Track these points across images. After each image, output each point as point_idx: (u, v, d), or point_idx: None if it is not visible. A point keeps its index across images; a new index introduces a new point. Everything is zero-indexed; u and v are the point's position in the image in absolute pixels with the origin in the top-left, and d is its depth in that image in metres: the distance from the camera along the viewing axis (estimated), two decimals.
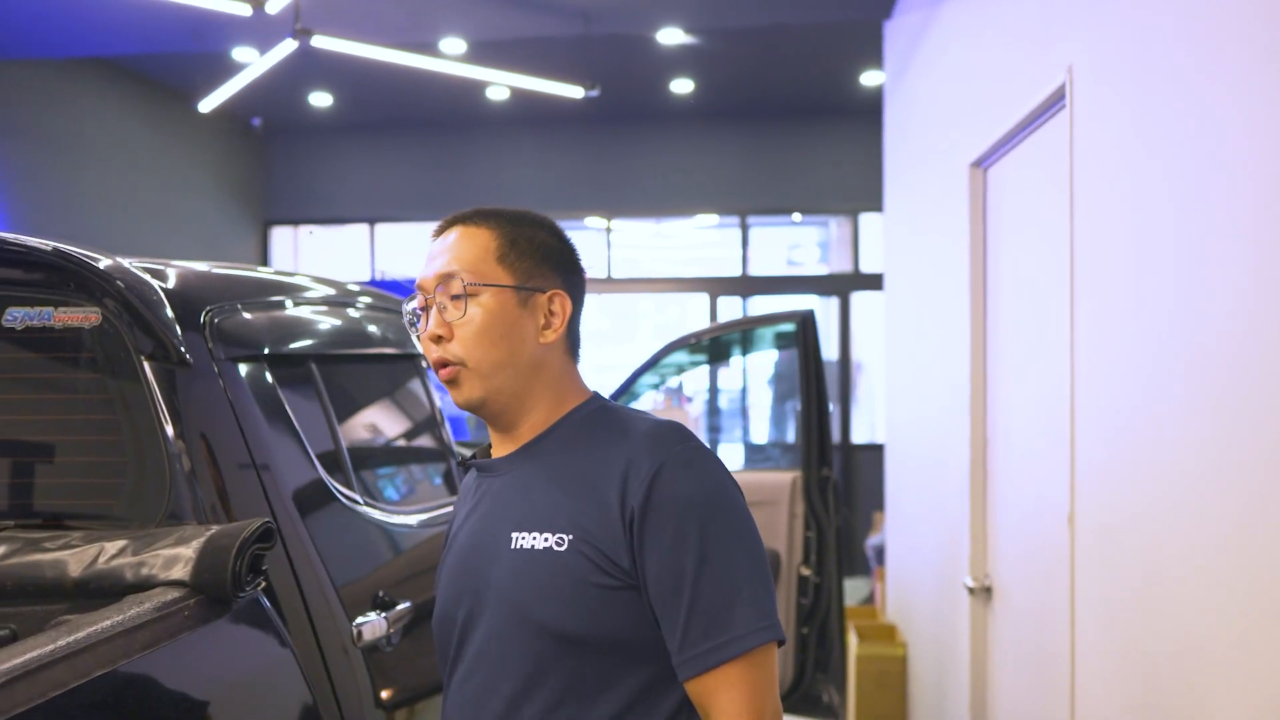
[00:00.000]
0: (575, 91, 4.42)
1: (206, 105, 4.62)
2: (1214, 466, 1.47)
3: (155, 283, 1.56)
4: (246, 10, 3.28)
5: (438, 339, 1.20)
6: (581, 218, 8.12)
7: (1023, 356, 2.55)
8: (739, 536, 1.15)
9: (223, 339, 1.62)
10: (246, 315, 1.72)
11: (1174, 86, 1.59)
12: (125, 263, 1.56)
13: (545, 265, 1.25)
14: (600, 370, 8.14)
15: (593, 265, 8.30)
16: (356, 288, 2.30)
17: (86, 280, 1.50)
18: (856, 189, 7.43)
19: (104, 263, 1.52)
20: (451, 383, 1.21)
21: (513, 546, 1.19)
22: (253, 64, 3.95)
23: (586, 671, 1.15)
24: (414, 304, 1.26)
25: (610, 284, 8.06)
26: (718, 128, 7.63)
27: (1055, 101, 2.11)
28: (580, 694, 1.15)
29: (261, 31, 4.24)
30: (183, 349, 1.52)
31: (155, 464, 1.48)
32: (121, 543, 1.38)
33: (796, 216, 8.34)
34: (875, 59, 5.78)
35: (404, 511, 2.00)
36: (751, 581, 1.13)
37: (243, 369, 1.64)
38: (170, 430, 1.49)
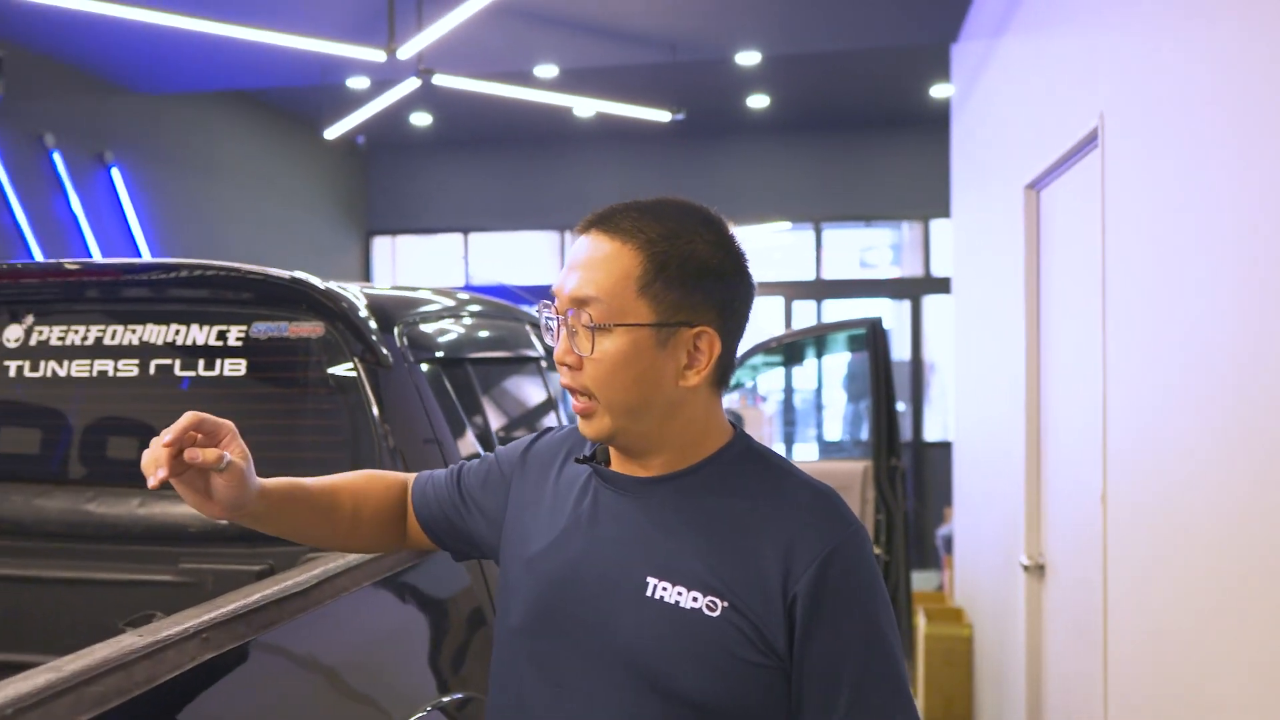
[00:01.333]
0: (663, 115, 4.83)
1: (331, 133, 5.16)
2: (1223, 451, 1.81)
3: (362, 303, 2.02)
4: (381, 57, 3.77)
5: (564, 363, 1.10)
6: None
7: (1068, 357, 2.88)
8: (893, 627, 1.08)
9: (410, 345, 2.07)
10: (424, 326, 2.18)
11: (1187, 135, 1.93)
12: (339, 287, 2.02)
13: (698, 293, 1.08)
14: None
15: None
16: (492, 301, 2.75)
17: (315, 301, 1.96)
18: (927, 195, 7.71)
19: (326, 288, 1.98)
20: (583, 414, 1.11)
21: (649, 594, 1.07)
22: (379, 99, 4.46)
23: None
24: (549, 311, 1.13)
25: None
26: (792, 139, 7.98)
27: (1090, 141, 2.46)
28: None
29: (382, 67, 4.73)
30: (385, 353, 1.98)
31: (367, 439, 1.93)
32: None
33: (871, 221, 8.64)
34: (943, 73, 6.08)
35: None
36: (905, 676, 1.07)
37: (424, 368, 2.10)
38: (377, 414, 1.94)
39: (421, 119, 7.73)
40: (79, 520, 1.89)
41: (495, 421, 2.41)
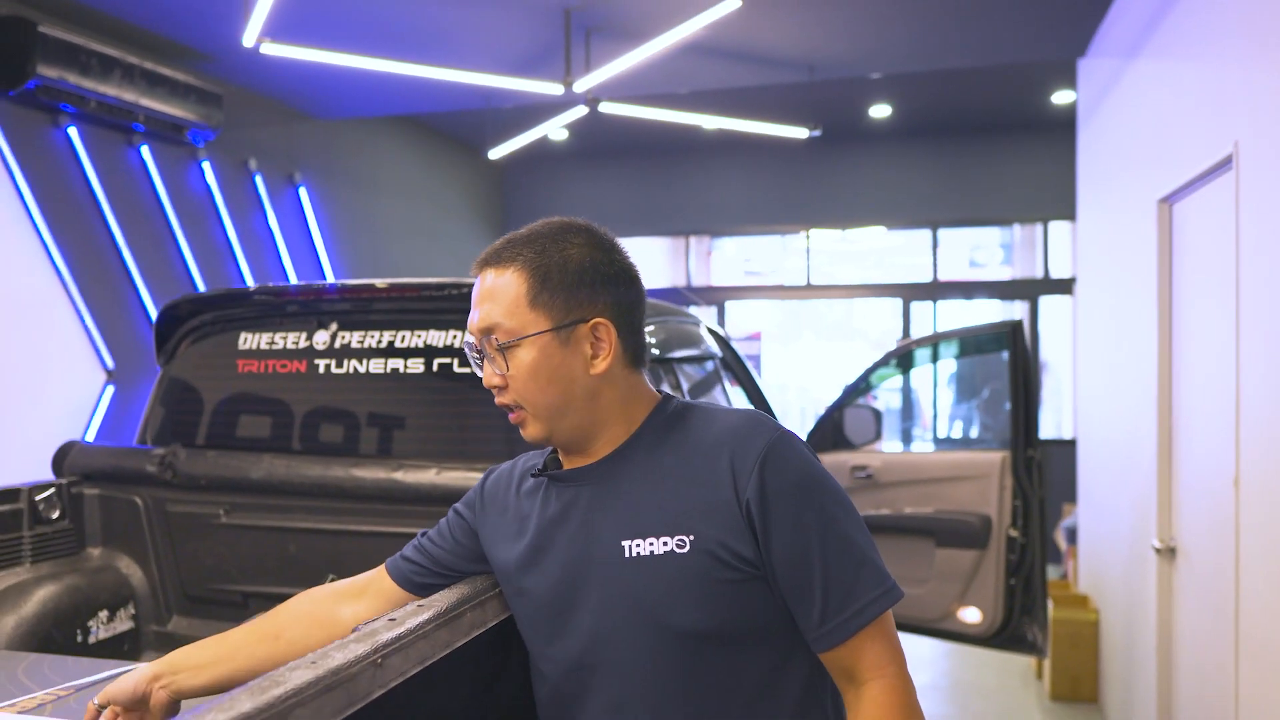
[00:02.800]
0: (800, 133, 5.20)
1: (496, 153, 5.69)
2: None
3: None
4: (559, 90, 4.25)
5: (494, 386, 1.23)
6: (782, 231, 8.91)
7: (1200, 355, 3.16)
8: (845, 509, 1.17)
9: (654, 346, 2.52)
10: (661, 332, 2.63)
11: None
12: None
13: (582, 290, 1.20)
14: (802, 366, 8.90)
15: (793, 274, 9.07)
16: (678, 309, 3.19)
17: None
18: (1045, 199, 7.88)
19: None
20: (519, 424, 1.24)
21: (628, 555, 1.17)
22: (546, 123, 4.95)
23: (722, 664, 1.15)
24: (470, 351, 1.26)
25: (809, 290, 8.82)
26: (911, 145, 8.24)
27: (1224, 164, 2.75)
28: (720, 687, 1.15)
29: (548, 96, 5.21)
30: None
31: None
32: None
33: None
34: (1065, 81, 6.29)
35: None
36: (866, 548, 1.16)
37: (652, 365, 2.54)
38: None
39: (558, 133, 8.25)
40: (389, 486, 2.38)
41: (700, 397, 2.85)
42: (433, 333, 2.54)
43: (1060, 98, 7.09)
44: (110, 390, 4.72)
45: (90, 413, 4.64)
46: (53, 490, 2.57)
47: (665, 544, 1.14)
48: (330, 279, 6.39)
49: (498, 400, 1.23)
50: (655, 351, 2.64)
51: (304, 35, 4.15)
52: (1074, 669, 4.87)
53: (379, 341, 2.57)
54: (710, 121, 5.22)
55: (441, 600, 1.25)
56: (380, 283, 2.53)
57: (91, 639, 2.50)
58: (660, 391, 1.30)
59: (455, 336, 2.53)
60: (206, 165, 5.36)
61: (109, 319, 4.74)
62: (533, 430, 1.23)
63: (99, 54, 4.37)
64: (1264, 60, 2.53)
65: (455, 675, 1.23)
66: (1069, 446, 7.20)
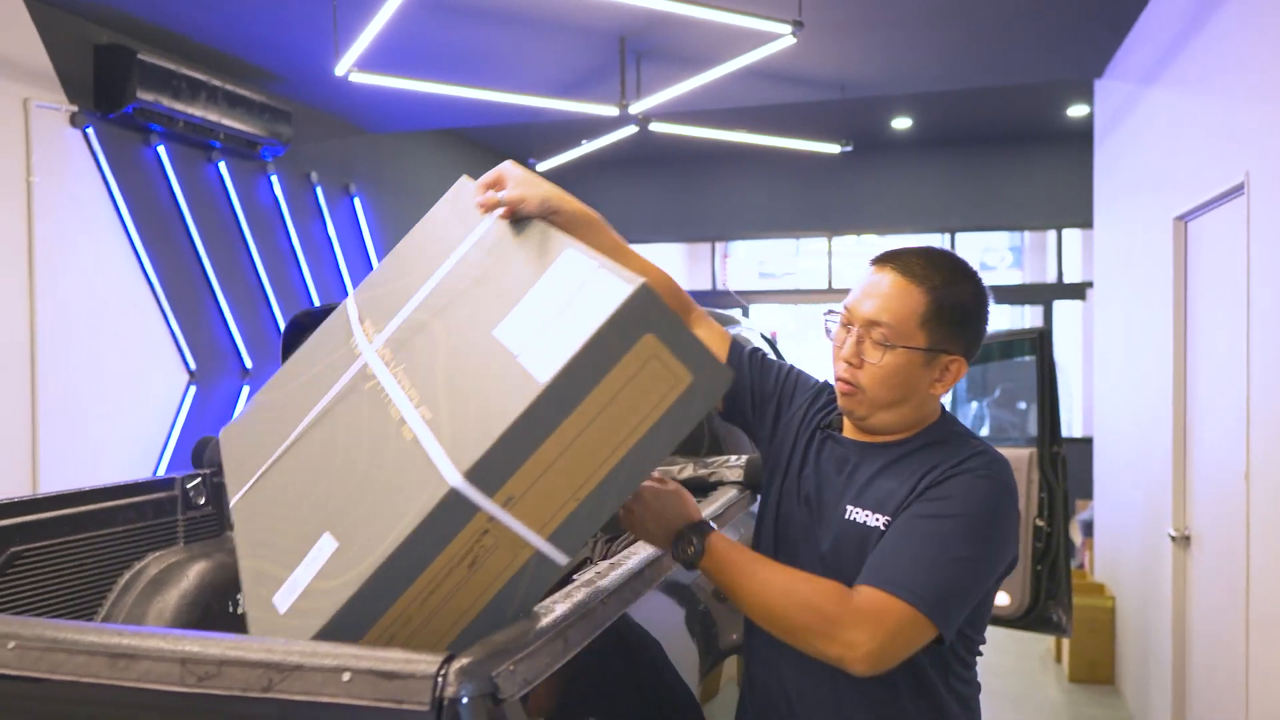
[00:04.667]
0: (833, 149, 5.54)
1: (543, 166, 6.02)
2: None
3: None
4: (615, 112, 4.58)
5: (849, 362, 1.40)
6: (805, 236, 9.24)
7: (1212, 359, 3.49)
8: (978, 538, 1.30)
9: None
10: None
11: None
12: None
13: (959, 331, 1.38)
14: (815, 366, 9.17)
15: (816, 278, 9.40)
16: (736, 317, 3.51)
17: None
18: (1058, 207, 8.21)
19: None
20: (846, 395, 1.42)
21: (846, 517, 1.40)
22: (598, 140, 5.27)
23: None
24: (837, 317, 1.43)
25: (831, 294, 9.15)
26: (930, 155, 8.56)
27: (1237, 190, 3.08)
28: None
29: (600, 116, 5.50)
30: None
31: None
32: (692, 462, 2.61)
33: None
34: (1081, 96, 6.61)
35: None
36: (948, 568, 1.27)
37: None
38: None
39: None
40: None
41: None
42: None
43: (1074, 111, 7.41)
44: (192, 390, 5.06)
45: (175, 411, 4.98)
46: (200, 479, 2.90)
47: (872, 519, 1.37)
48: None
49: (842, 373, 1.41)
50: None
51: (379, 63, 4.49)
52: (1091, 653, 5.20)
53: None
54: (750, 139, 5.55)
55: None
56: None
57: (239, 609, 2.83)
58: (942, 409, 1.48)
59: None
60: (274, 178, 5.70)
61: (191, 323, 5.08)
62: (852, 406, 1.42)
63: (188, 78, 4.71)
64: (1273, 101, 2.86)
65: None
66: (1080, 444, 7.54)
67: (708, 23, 3.84)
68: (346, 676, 1.06)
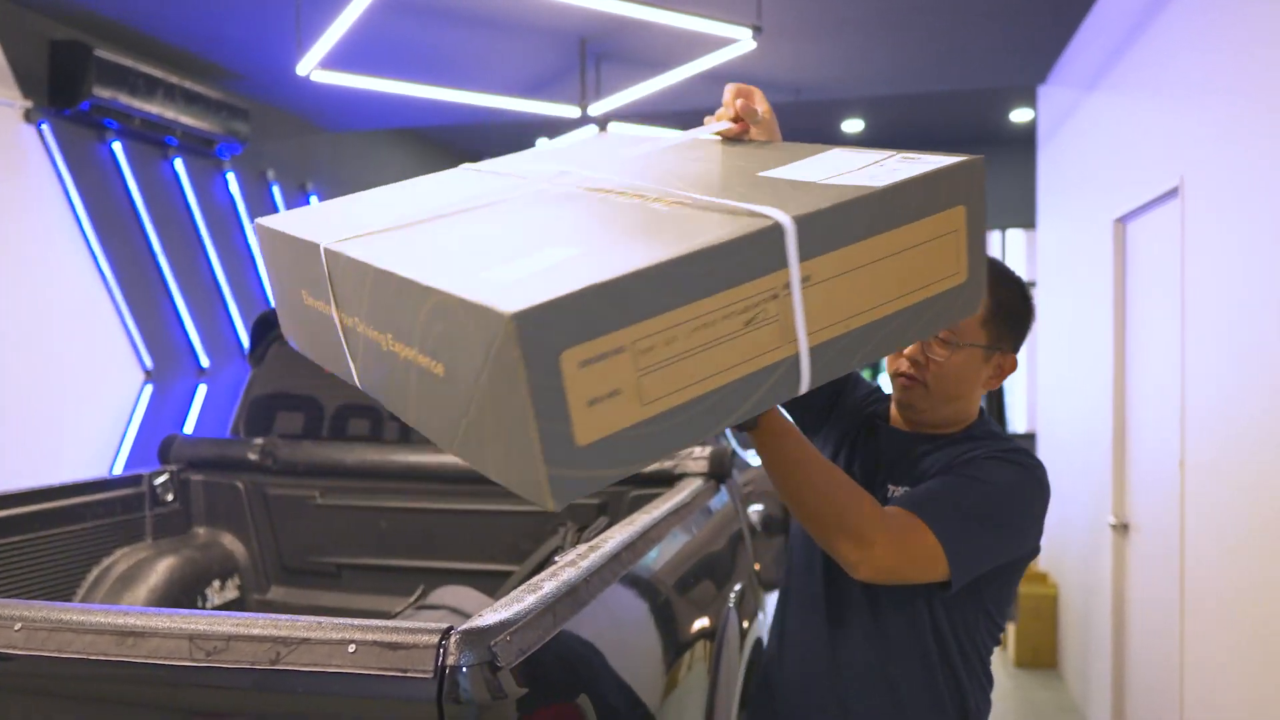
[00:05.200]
0: None
1: None
2: None
3: None
4: (576, 113, 4.65)
5: (914, 360, 1.46)
6: None
7: (1149, 354, 3.66)
8: (1007, 510, 1.39)
9: None
10: None
11: (1253, 203, 2.72)
12: None
13: (1012, 330, 1.47)
14: None
15: None
16: None
17: None
18: (1004, 208, 8.43)
19: None
20: (906, 389, 1.49)
21: (890, 495, 1.49)
22: (555, 140, 5.33)
23: (916, 607, 1.49)
24: None
25: None
26: None
27: (1172, 194, 3.24)
28: (905, 614, 1.49)
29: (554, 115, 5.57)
30: None
31: None
32: None
33: None
34: (1025, 100, 6.82)
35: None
36: (975, 523, 1.36)
37: None
38: None
39: (542, 142, 8.63)
40: (467, 468, 2.77)
41: None
42: None
43: (1018, 115, 7.63)
44: (149, 389, 5.02)
45: (131, 410, 4.94)
46: (167, 476, 2.92)
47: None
48: None
49: (902, 366, 1.48)
50: None
51: (341, 62, 4.51)
52: (1035, 638, 5.39)
53: None
54: (701, 136, 5.63)
55: None
56: None
57: (207, 605, 2.86)
58: (981, 410, 1.56)
59: None
60: (231, 176, 5.67)
61: (147, 321, 5.04)
62: (912, 398, 1.49)
63: (145, 75, 4.68)
64: (1207, 108, 3.02)
65: None
66: (1024, 439, 7.76)
67: (667, 27, 3.92)
68: (352, 648, 1.12)
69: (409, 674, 1.10)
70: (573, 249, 0.90)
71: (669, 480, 2.60)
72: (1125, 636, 4.03)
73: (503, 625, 1.16)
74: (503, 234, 1.02)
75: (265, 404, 3.12)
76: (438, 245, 1.02)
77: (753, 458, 3.08)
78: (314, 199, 6.49)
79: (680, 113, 6.04)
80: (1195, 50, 3.13)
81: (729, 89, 1.37)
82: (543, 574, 1.44)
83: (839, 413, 1.67)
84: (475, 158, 8.49)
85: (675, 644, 1.86)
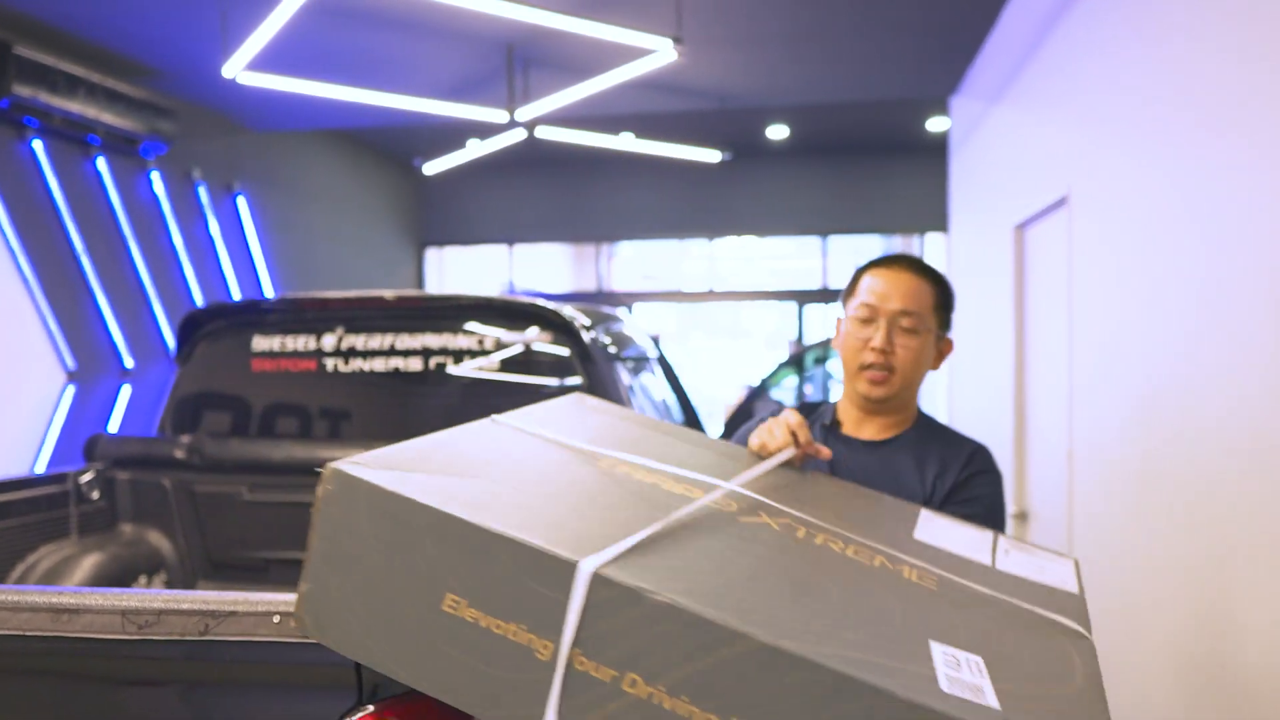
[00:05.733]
0: (714, 156, 5.81)
1: (430, 169, 6.11)
2: (1158, 418, 2.81)
3: (576, 318, 3.00)
4: (504, 118, 4.75)
5: (884, 350, 1.62)
6: (687, 239, 9.55)
7: (1045, 351, 3.89)
8: (1001, 515, 1.67)
9: (598, 344, 3.06)
10: (604, 334, 3.16)
11: (1124, 211, 2.94)
12: (560, 308, 3.00)
13: (950, 315, 1.70)
14: (698, 366, 9.55)
15: (691, 279, 9.72)
16: (618, 317, 3.74)
17: (546, 318, 2.94)
18: (922, 213, 8.74)
19: (554, 308, 2.96)
20: (880, 381, 1.63)
21: None
22: (485, 143, 5.42)
23: None
24: (863, 313, 1.64)
25: (712, 295, 9.49)
26: (805, 163, 8.99)
27: (1061, 203, 3.47)
28: None
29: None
30: (590, 351, 2.96)
31: None
32: None
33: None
34: (940, 109, 7.10)
35: None
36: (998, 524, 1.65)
37: (605, 358, 3.08)
38: (586, 387, 2.92)
39: (473, 144, 8.69)
40: None
41: (638, 397, 3.40)
42: (429, 336, 3.03)
43: (935, 124, 7.93)
44: (71, 390, 4.98)
45: (52, 410, 4.90)
46: (92, 474, 2.95)
47: None
48: (267, 284, 6.70)
49: (873, 358, 1.63)
50: (610, 349, 3.18)
51: (268, 63, 4.54)
52: None
53: (382, 344, 3.04)
54: (633, 145, 5.78)
55: None
56: (388, 294, 3.00)
57: None
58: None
59: (449, 339, 3.03)
60: (155, 176, 5.64)
61: (70, 322, 5.00)
62: (888, 388, 1.64)
63: (66, 73, 4.65)
64: (1092, 123, 3.24)
65: None
66: None
67: (591, 36, 4.05)
68: (276, 619, 1.22)
69: None
70: (957, 650, 0.96)
71: None
72: None
73: None
74: (844, 608, 1.00)
75: (192, 403, 3.16)
76: (785, 609, 0.96)
77: None
78: (241, 200, 6.46)
79: (607, 117, 6.17)
80: (1079, 70, 3.35)
81: (780, 427, 1.50)
82: None
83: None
84: (405, 160, 8.52)
85: None
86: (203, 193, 6.07)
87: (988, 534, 1.38)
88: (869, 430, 1.70)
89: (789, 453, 1.46)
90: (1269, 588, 1.93)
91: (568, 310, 3.02)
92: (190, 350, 3.20)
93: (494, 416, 1.36)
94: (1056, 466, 3.67)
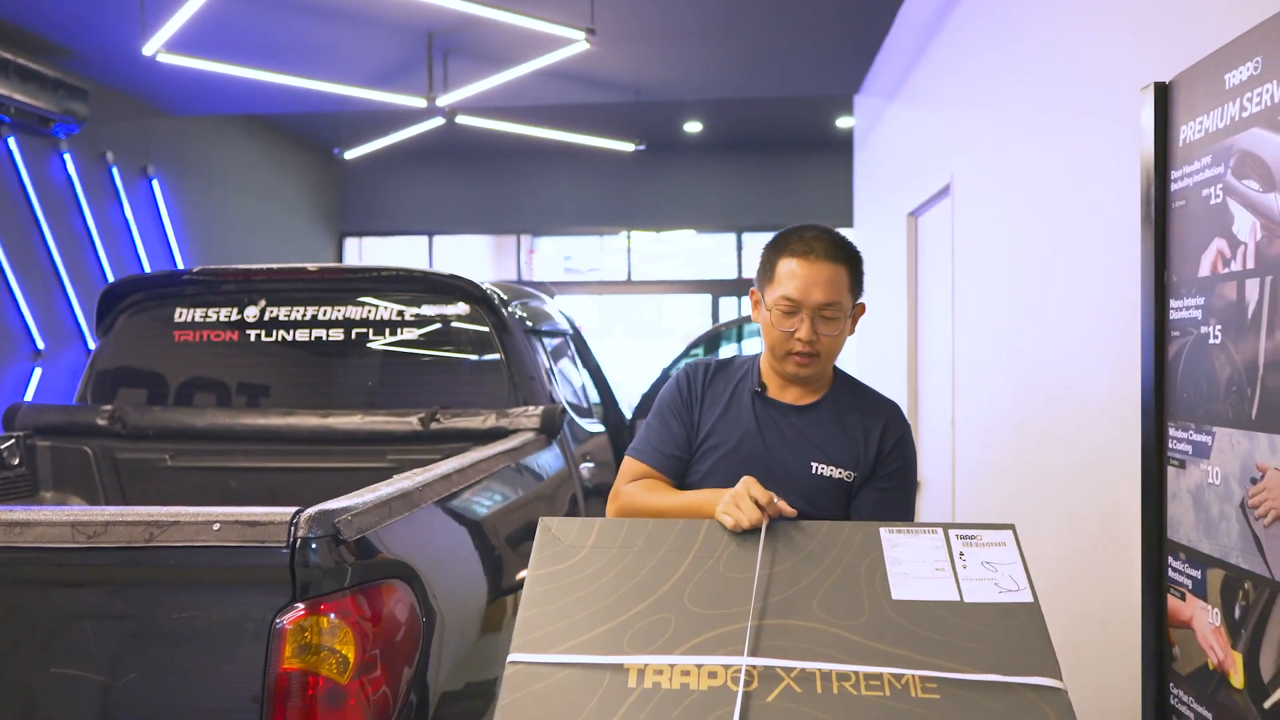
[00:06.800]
0: (628, 147, 6.00)
1: (351, 154, 6.17)
2: (1028, 390, 3.09)
3: (494, 292, 3.15)
4: (423, 103, 4.86)
5: (810, 341, 1.70)
6: (606, 232, 9.73)
7: (934, 329, 4.18)
8: (913, 477, 1.83)
9: (517, 318, 3.21)
10: (522, 308, 3.32)
11: (996, 203, 3.22)
12: (479, 281, 3.15)
13: (861, 282, 1.77)
14: (616, 358, 9.74)
15: (611, 271, 9.91)
16: (536, 293, 3.90)
17: (466, 291, 3.08)
18: (831, 207, 9.09)
19: (472, 280, 3.11)
20: (807, 364, 1.74)
21: (814, 472, 1.75)
22: (403, 131, 5.50)
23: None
24: (786, 306, 1.71)
25: (630, 285, 9.69)
26: (719, 158, 9.25)
27: (945, 191, 3.75)
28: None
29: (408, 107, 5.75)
30: (509, 324, 3.11)
31: (497, 377, 3.06)
32: (495, 414, 2.97)
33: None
34: (847, 108, 7.42)
35: (581, 411, 3.62)
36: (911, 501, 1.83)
37: (523, 332, 3.24)
38: (504, 360, 3.08)
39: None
40: (322, 430, 2.97)
41: (553, 363, 3.57)
42: (351, 308, 3.15)
43: (843, 122, 8.26)
44: None
45: None
46: (12, 441, 2.99)
47: (840, 473, 1.76)
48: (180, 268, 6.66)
49: (799, 346, 1.72)
50: (529, 324, 3.34)
51: (188, 45, 4.58)
52: None
53: (305, 315, 3.15)
54: (552, 135, 5.94)
55: None
56: (311, 266, 3.11)
57: None
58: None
59: (371, 310, 3.15)
60: (68, 157, 5.59)
61: None
62: (813, 370, 1.76)
63: None
64: (970, 116, 3.53)
65: None
66: None
67: (508, 25, 4.19)
68: (217, 526, 1.37)
69: (265, 544, 1.35)
70: None
71: (504, 434, 2.88)
72: None
73: (345, 509, 1.43)
74: None
75: (113, 374, 3.22)
76: None
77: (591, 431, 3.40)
78: (155, 184, 6.42)
79: (526, 108, 6.32)
80: (961, 65, 3.64)
81: (746, 502, 1.55)
82: (381, 482, 1.70)
83: (704, 415, 1.86)
84: (324, 148, 8.50)
85: (499, 543, 2.16)
86: (116, 175, 6.03)
87: (940, 541, 1.53)
88: (792, 395, 1.82)
89: (763, 526, 1.54)
90: (1119, 541, 2.20)
91: (487, 285, 3.17)
92: (111, 322, 3.25)
93: (511, 657, 1.38)
94: (943, 435, 3.95)
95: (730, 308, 9.72)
